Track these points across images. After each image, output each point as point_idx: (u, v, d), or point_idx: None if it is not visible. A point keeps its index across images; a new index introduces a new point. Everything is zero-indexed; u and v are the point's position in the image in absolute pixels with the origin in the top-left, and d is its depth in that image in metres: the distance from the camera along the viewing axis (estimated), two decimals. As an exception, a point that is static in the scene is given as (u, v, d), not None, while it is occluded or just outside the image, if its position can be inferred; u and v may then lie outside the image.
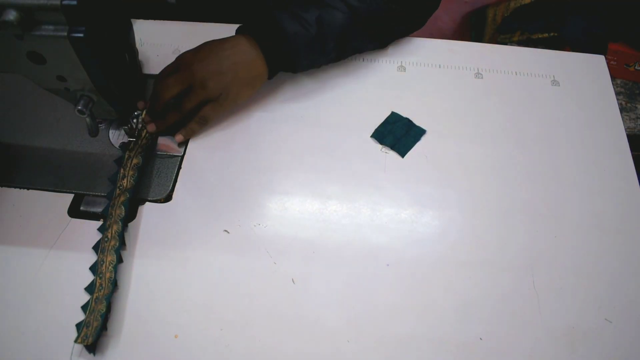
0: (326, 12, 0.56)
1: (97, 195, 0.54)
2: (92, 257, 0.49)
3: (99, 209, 0.53)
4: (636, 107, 1.29)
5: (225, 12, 0.69)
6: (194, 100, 0.55)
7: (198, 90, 0.54)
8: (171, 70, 0.56)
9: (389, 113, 0.60)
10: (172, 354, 0.45)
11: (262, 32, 0.56)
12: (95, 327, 0.44)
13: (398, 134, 0.57)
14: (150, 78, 0.63)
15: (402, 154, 0.57)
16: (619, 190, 0.54)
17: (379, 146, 0.57)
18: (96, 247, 0.49)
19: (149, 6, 0.69)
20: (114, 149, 0.57)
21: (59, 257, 0.50)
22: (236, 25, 0.59)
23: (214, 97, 0.55)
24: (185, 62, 0.55)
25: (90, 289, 0.47)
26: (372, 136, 0.58)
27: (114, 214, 0.51)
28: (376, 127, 0.58)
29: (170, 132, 0.57)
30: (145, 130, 0.56)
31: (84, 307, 0.47)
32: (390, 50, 0.65)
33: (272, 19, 0.55)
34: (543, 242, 0.51)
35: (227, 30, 0.59)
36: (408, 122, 0.58)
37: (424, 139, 0.58)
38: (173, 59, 0.57)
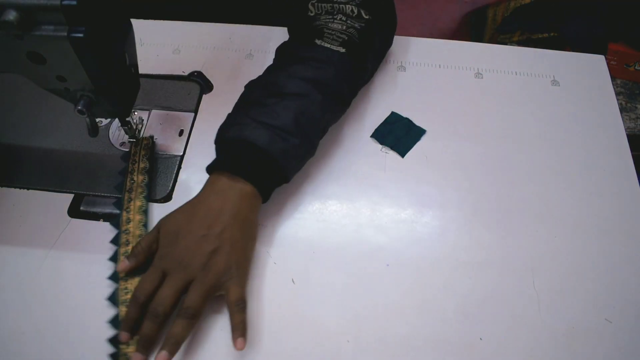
0: (298, 106, 0.48)
1: (97, 195, 0.54)
2: (92, 257, 0.49)
3: (99, 209, 0.53)
4: (636, 107, 1.29)
5: (225, 13, 0.70)
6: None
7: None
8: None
9: (389, 113, 0.60)
10: (172, 354, 0.45)
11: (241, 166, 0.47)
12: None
13: (398, 134, 0.57)
14: (149, 78, 0.63)
15: (402, 154, 0.57)
16: (619, 190, 0.54)
17: (379, 146, 0.57)
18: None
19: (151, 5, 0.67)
20: (114, 149, 0.57)
21: (59, 257, 0.50)
22: (236, 25, 0.58)
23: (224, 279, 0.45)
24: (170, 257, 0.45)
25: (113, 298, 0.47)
26: (372, 136, 0.58)
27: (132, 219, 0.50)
28: (376, 127, 0.58)
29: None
30: (143, 138, 0.55)
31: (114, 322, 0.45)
32: (391, 50, 0.65)
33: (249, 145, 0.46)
34: (543, 242, 0.51)
35: (227, 30, 0.59)
36: (408, 122, 0.58)
37: (424, 138, 0.58)
38: (173, 59, 0.57)
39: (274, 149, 0.47)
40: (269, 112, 0.48)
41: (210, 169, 0.49)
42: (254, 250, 0.49)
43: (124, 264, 0.47)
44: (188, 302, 0.43)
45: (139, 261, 0.47)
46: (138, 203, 0.51)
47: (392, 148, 0.57)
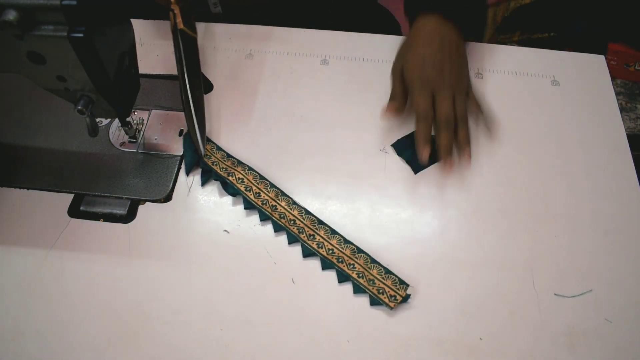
0: None
1: (97, 195, 0.54)
2: (92, 257, 0.50)
3: (99, 209, 0.53)
4: (636, 107, 1.29)
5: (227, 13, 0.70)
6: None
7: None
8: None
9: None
10: (172, 354, 0.45)
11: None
12: (394, 281, 0.47)
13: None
14: (149, 77, 0.63)
15: (416, 171, 0.55)
16: (619, 190, 0.54)
17: (379, 146, 0.57)
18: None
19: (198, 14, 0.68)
20: (114, 149, 0.57)
21: (59, 257, 0.50)
22: (237, 25, 0.58)
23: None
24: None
25: (341, 274, 0.48)
26: (392, 145, 0.57)
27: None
28: (376, 127, 0.58)
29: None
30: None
31: (357, 289, 0.48)
32: (391, 50, 0.65)
33: None
34: (543, 242, 0.51)
35: (227, 30, 0.59)
36: (432, 142, 0.55)
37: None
38: (173, 59, 0.57)
39: None
40: None
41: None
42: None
43: (392, 105, 0.55)
44: (459, 111, 0.54)
45: (401, 102, 0.56)
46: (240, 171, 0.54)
47: (408, 163, 0.56)
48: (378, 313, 0.47)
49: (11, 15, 0.37)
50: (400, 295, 0.46)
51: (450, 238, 0.51)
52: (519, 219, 0.52)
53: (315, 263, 0.50)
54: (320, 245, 0.49)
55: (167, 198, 0.54)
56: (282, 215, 0.51)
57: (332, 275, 0.49)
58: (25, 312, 0.47)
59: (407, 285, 0.47)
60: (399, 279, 0.47)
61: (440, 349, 0.45)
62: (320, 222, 0.51)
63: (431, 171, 0.56)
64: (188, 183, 0.54)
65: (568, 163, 0.56)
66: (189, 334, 0.46)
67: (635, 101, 1.30)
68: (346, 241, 0.50)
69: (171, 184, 0.55)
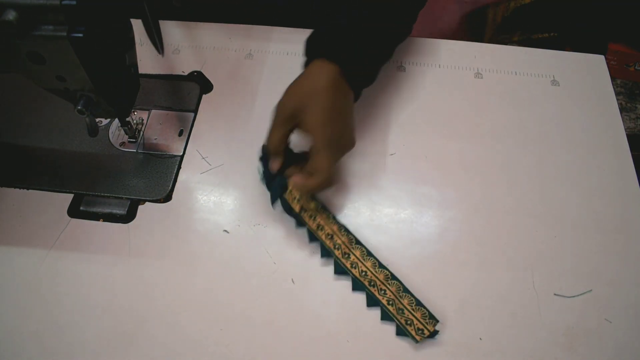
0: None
1: (97, 195, 0.54)
2: (92, 257, 0.50)
3: (98, 209, 0.53)
4: (636, 107, 1.29)
5: (226, 12, 0.70)
6: None
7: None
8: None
9: (389, 113, 0.59)
10: (172, 354, 0.45)
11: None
12: (423, 314, 0.46)
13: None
14: (149, 77, 0.63)
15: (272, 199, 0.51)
16: (619, 190, 0.54)
17: (379, 146, 0.57)
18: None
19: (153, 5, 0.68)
20: (114, 149, 0.57)
21: (59, 257, 0.50)
22: (236, 25, 0.58)
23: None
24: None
25: (371, 299, 0.47)
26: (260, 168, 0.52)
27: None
28: (375, 127, 0.58)
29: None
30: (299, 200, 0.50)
31: (385, 315, 0.46)
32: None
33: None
34: (543, 242, 0.51)
35: (227, 30, 0.59)
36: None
37: (424, 139, 0.58)
38: (173, 59, 0.57)
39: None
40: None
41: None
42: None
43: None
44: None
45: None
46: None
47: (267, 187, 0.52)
48: (378, 313, 0.47)
49: (11, 15, 0.37)
50: (428, 330, 0.44)
51: (450, 238, 0.51)
52: (519, 219, 0.52)
53: (315, 263, 0.49)
54: (354, 266, 0.48)
55: (167, 198, 0.54)
56: (319, 227, 0.50)
57: (331, 275, 0.49)
58: (24, 312, 0.47)
59: (437, 320, 0.45)
60: (429, 312, 0.45)
61: (440, 349, 0.45)
62: (358, 242, 0.50)
63: (431, 171, 0.56)
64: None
65: (568, 163, 0.56)
66: (188, 334, 0.46)
67: (635, 101, 1.30)
68: (381, 265, 0.48)
69: (171, 184, 0.55)
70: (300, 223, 0.51)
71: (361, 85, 0.52)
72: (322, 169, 0.46)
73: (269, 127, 0.49)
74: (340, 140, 0.48)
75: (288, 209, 0.50)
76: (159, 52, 0.56)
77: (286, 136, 0.48)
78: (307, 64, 0.50)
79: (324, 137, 0.46)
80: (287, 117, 0.47)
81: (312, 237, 0.50)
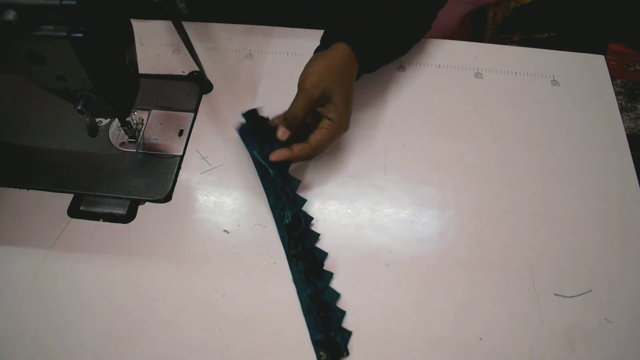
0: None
1: (97, 195, 0.54)
2: (92, 257, 0.50)
3: (98, 209, 0.53)
4: (636, 107, 1.29)
5: (226, 13, 0.70)
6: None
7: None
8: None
9: (389, 113, 0.59)
10: (172, 354, 0.45)
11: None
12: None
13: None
14: (149, 78, 0.63)
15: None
16: (619, 190, 0.54)
17: (379, 146, 0.57)
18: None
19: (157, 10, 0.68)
20: (114, 149, 0.57)
21: (59, 257, 0.50)
22: (236, 25, 0.58)
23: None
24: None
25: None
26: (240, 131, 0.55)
27: None
28: (376, 127, 0.58)
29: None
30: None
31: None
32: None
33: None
34: (543, 242, 0.51)
35: (227, 30, 0.59)
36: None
37: (424, 139, 0.58)
38: (173, 59, 0.57)
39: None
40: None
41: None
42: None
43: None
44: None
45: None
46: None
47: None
48: (377, 313, 0.47)
49: (11, 15, 0.37)
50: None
51: (450, 238, 0.51)
52: (519, 219, 0.52)
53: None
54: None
55: (167, 198, 0.54)
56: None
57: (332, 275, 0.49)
58: (24, 312, 0.47)
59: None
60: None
61: (440, 349, 0.45)
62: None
63: (431, 171, 0.56)
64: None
65: (568, 163, 0.56)
66: (189, 334, 0.46)
67: (635, 101, 1.30)
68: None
69: (171, 184, 0.55)
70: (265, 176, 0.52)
71: (363, 74, 0.57)
72: (319, 146, 0.51)
73: (294, 101, 0.51)
74: (346, 125, 0.52)
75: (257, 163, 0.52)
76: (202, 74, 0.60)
77: (308, 115, 0.52)
78: (328, 41, 0.54)
79: (341, 124, 0.51)
80: (317, 98, 0.50)
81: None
